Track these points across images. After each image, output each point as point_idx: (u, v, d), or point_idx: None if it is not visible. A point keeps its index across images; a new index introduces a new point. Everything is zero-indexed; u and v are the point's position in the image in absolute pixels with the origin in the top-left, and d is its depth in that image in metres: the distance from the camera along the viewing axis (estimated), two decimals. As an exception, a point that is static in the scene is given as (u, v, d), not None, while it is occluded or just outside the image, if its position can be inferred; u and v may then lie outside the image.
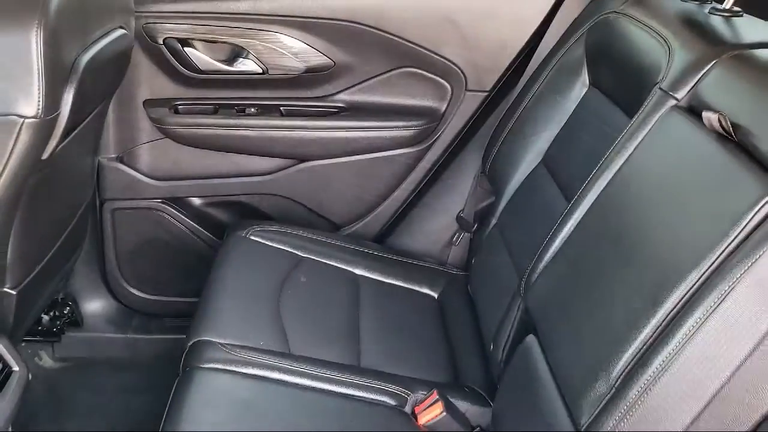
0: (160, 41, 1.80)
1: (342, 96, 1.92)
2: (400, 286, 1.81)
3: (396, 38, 1.84)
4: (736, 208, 0.92)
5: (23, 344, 1.95)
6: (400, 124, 1.92)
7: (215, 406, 1.27)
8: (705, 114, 1.05)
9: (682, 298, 0.94)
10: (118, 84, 1.69)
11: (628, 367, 0.96)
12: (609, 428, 0.95)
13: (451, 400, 1.42)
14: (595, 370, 1.00)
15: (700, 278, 0.93)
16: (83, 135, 1.55)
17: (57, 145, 1.30)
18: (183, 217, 2.01)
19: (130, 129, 1.91)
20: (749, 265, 0.87)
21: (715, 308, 0.88)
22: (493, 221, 1.75)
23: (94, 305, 2.07)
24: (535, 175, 1.67)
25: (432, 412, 1.37)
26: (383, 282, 1.80)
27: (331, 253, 1.81)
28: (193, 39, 1.82)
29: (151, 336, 2.10)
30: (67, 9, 1.24)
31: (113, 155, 1.92)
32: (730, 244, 0.91)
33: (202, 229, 2.03)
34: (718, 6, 1.36)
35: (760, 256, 0.87)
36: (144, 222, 2.00)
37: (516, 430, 1.20)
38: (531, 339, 1.27)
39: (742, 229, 0.91)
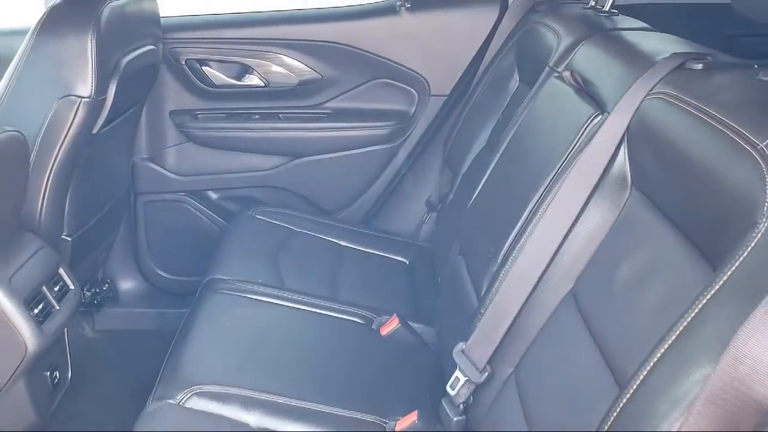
0: (183, 62, 2.27)
1: (329, 103, 2.36)
2: (377, 254, 2.19)
3: (370, 55, 2.30)
4: (575, 126, 1.32)
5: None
6: (377, 124, 2.35)
7: (222, 317, 1.66)
8: (564, 72, 1.47)
9: (543, 189, 1.33)
10: (149, 89, 2.15)
11: (510, 240, 1.35)
12: (494, 288, 1.33)
13: (409, 323, 1.79)
14: (490, 248, 1.39)
15: (553, 177, 1.32)
16: (121, 130, 2.00)
17: (103, 126, 1.75)
18: (202, 207, 2.43)
19: (159, 134, 2.35)
20: (582, 157, 1.26)
21: (563, 184, 1.27)
22: (450, 196, 2.14)
23: (128, 284, 2.48)
24: (480, 155, 2.06)
25: (391, 326, 1.75)
26: (363, 251, 2.18)
27: (319, 229, 2.20)
28: (209, 59, 2.29)
29: (177, 310, 2.47)
30: (113, 24, 1.71)
31: (145, 156, 2.36)
32: (570, 149, 1.31)
33: (218, 218, 2.44)
34: (601, 8, 1.78)
35: (587, 149, 1.25)
36: (170, 212, 2.43)
37: (447, 322, 1.57)
38: (458, 259, 1.66)
39: (577, 139, 1.30)
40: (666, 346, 0.82)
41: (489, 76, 2.16)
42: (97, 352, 2.36)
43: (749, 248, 0.78)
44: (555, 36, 1.75)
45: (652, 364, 0.82)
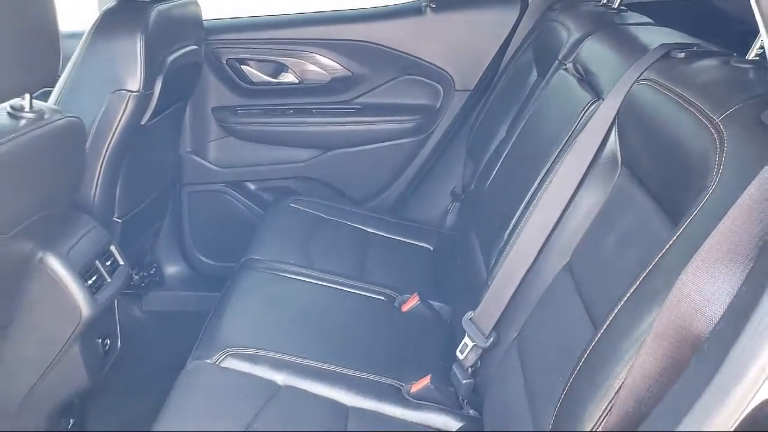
0: (224, 61, 2.44)
1: (359, 99, 2.50)
2: (403, 240, 2.32)
3: (398, 52, 2.44)
4: (574, 113, 1.44)
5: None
6: (404, 118, 2.49)
7: (256, 291, 1.82)
8: (568, 64, 1.59)
9: (545, 171, 1.45)
10: (193, 87, 2.32)
11: (515, 219, 1.47)
12: (500, 262, 1.46)
13: (429, 301, 1.92)
14: (500, 224, 1.52)
15: (553, 159, 1.44)
16: (167, 123, 2.18)
17: (150, 118, 1.93)
18: (241, 197, 2.60)
19: (202, 129, 2.53)
20: (578, 141, 1.38)
21: (558, 166, 1.39)
22: (472, 186, 2.27)
23: (173, 268, 2.66)
24: (499, 145, 2.18)
25: (411, 303, 1.88)
26: (389, 237, 2.32)
27: (349, 217, 2.33)
28: (248, 59, 2.46)
29: (217, 293, 2.64)
30: (159, 26, 1.88)
31: (189, 149, 2.53)
32: (569, 133, 1.43)
33: (256, 207, 2.60)
34: (611, 6, 1.89)
35: (583, 132, 1.37)
36: (212, 202, 2.60)
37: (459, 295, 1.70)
38: (474, 240, 1.79)
39: (576, 124, 1.42)
40: (628, 294, 0.93)
41: (509, 72, 2.29)
42: (144, 330, 2.54)
43: (699, 207, 0.90)
44: (566, 31, 1.86)
45: (616, 310, 0.94)
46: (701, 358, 0.75)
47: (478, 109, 2.43)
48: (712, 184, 0.90)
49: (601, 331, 0.95)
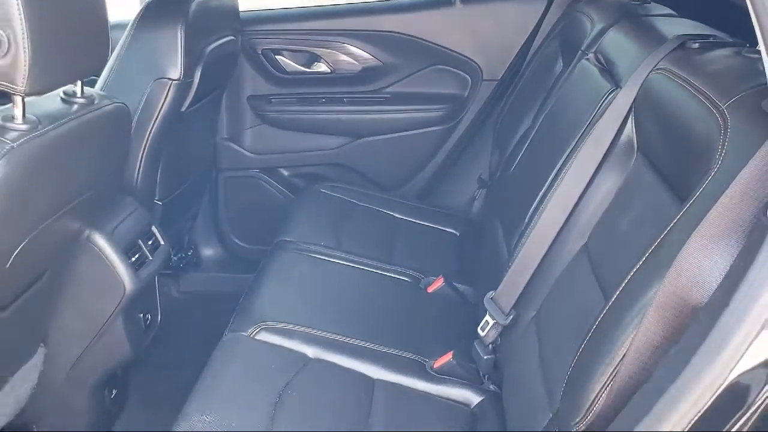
0: (259, 51, 2.53)
1: (389, 88, 2.57)
2: (430, 226, 2.39)
3: (427, 43, 2.50)
4: (594, 101, 1.50)
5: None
6: (433, 107, 2.56)
7: (288, 270, 1.91)
8: (590, 54, 1.64)
9: (565, 157, 1.51)
10: (229, 76, 2.41)
11: (535, 203, 1.54)
12: (521, 243, 1.52)
13: (454, 284, 1.99)
14: (522, 207, 1.58)
15: (573, 146, 1.50)
16: (205, 111, 2.28)
17: (190, 105, 2.02)
18: (275, 183, 2.69)
19: (238, 117, 2.62)
20: (596, 128, 1.44)
21: (579, 152, 1.45)
22: (498, 173, 2.33)
23: (209, 251, 2.77)
24: (525, 134, 2.24)
25: (436, 285, 1.96)
26: (416, 222, 2.39)
27: (377, 203, 2.41)
28: (282, 49, 2.54)
29: (251, 275, 2.75)
30: (198, 17, 1.97)
31: (226, 136, 2.63)
32: (589, 120, 1.49)
33: (288, 193, 2.70)
34: (635, -1, 1.94)
35: (601, 120, 1.43)
36: (246, 187, 2.70)
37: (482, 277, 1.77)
38: (497, 224, 1.85)
39: (595, 111, 1.48)
40: (636, 268, 1.00)
41: (536, 62, 2.34)
42: (182, 309, 2.65)
43: (702, 188, 0.96)
44: (590, 22, 1.91)
45: (624, 283, 1.01)
46: (696, 326, 0.81)
47: (504, 99, 2.48)
48: (715, 166, 0.96)
49: (610, 302, 1.02)
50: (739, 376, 0.76)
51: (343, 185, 2.48)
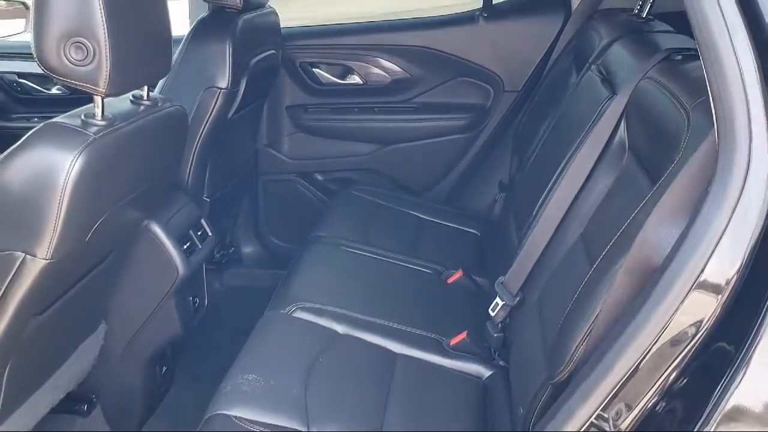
0: (298, 64, 2.76)
1: (416, 99, 2.78)
2: (452, 226, 2.58)
3: (453, 57, 2.71)
4: (594, 107, 1.68)
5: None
6: (457, 116, 2.76)
7: (321, 259, 2.12)
8: (593, 66, 1.83)
9: (567, 157, 1.70)
10: (270, 87, 2.65)
11: (542, 198, 1.72)
12: (528, 234, 1.70)
13: (473, 276, 2.18)
14: (531, 202, 1.77)
15: (574, 148, 1.69)
16: (248, 118, 2.51)
17: (235, 112, 2.25)
18: (310, 186, 2.91)
19: (277, 125, 2.85)
20: (594, 131, 1.62)
21: (578, 153, 1.63)
22: (517, 178, 2.51)
23: (249, 249, 2.99)
24: (541, 139, 2.42)
25: (455, 277, 2.14)
26: (440, 223, 2.58)
27: (404, 204, 2.60)
28: (319, 62, 2.77)
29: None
30: (245, 33, 2.21)
31: (266, 143, 2.86)
32: (589, 125, 1.67)
33: (322, 196, 2.91)
34: (640, 15, 2.12)
35: (599, 124, 1.61)
36: (284, 190, 2.92)
37: (494, 264, 1.95)
38: (511, 220, 2.04)
39: (595, 116, 1.66)
40: (612, 242, 1.18)
41: (552, 74, 2.52)
42: (224, 301, 2.86)
43: (666, 173, 1.14)
44: (599, 37, 2.10)
45: (603, 254, 1.19)
46: (648, 286, 0.99)
47: (524, 109, 2.67)
48: (678, 156, 1.14)
49: (591, 270, 1.20)
50: (673, 328, 0.93)
51: (373, 188, 2.68)
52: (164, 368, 2.21)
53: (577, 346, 1.15)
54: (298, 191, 2.93)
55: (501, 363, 1.75)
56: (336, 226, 2.36)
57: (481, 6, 2.69)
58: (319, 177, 2.93)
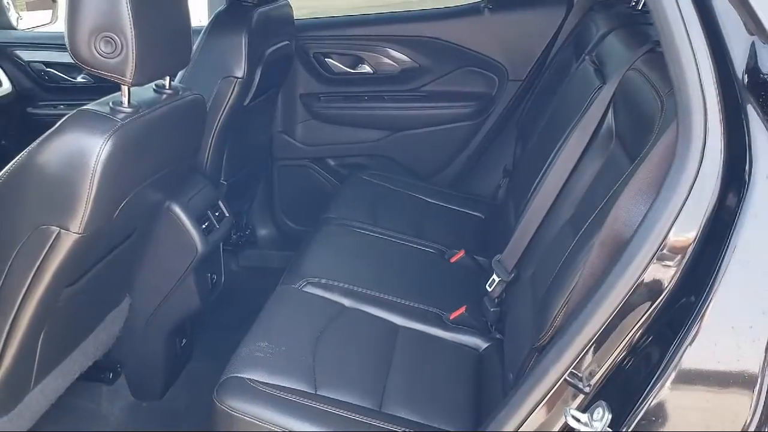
0: (311, 55, 2.88)
1: (424, 87, 2.89)
2: (457, 209, 2.69)
3: (459, 47, 2.81)
4: (586, 95, 1.79)
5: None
6: (464, 104, 2.87)
7: (331, 238, 2.25)
8: (587, 56, 1.93)
9: (560, 144, 1.81)
10: (285, 76, 2.77)
11: (536, 182, 1.83)
12: (523, 215, 1.82)
13: (474, 256, 2.30)
14: (526, 186, 1.88)
15: (566, 134, 1.80)
16: (263, 106, 2.63)
17: (251, 100, 2.38)
18: (322, 171, 3.04)
19: (291, 112, 2.97)
20: (584, 118, 1.73)
21: (569, 139, 1.74)
22: (518, 163, 2.62)
23: (264, 231, 3.12)
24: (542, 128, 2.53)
25: (458, 256, 2.26)
26: (444, 206, 2.69)
27: (412, 189, 2.71)
28: (331, 53, 2.89)
29: (300, 253, 3.10)
30: (260, 25, 2.33)
31: (280, 129, 2.98)
32: (580, 112, 1.78)
33: (334, 180, 3.03)
34: (637, 7, 2.21)
35: (589, 111, 1.72)
36: (298, 175, 3.05)
37: (493, 245, 2.07)
38: (510, 204, 2.15)
39: (587, 104, 1.77)
40: (591, 218, 1.30)
41: (554, 64, 2.63)
42: (240, 281, 3.00)
43: (641, 155, 1.25)
44: (596, 28, 2.20)
45: (583, 229, 1.31)
46: (617, 255, 1.11)
47: (527, 97, 2.77)
48: (652, 137, 1.25)
49: (572, 244, 1.32)
50: (636, 293, 1.05)
51: (382, 173, 2.80)
52: (184, 341, 2.35)
53: (556, 314, 1.27)
54: (311, 176, 3.05)
55: (497, 336, 1.87)
56: (345, 208, 2.48)
57: (486, -3, 2.80)
58: (331, 162, 3.05)
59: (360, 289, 1.97)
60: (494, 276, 1.87)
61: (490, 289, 1.87)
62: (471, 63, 2.83)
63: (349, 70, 2.91)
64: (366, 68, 2.89)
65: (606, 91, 1.68)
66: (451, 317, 1.92)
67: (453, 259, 2.26)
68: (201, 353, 2.47)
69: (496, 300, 1.87)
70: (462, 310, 1.92)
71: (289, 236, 3.11)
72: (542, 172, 1.85)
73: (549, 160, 1.84)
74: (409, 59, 2.85)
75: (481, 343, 1.87)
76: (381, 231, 2.34)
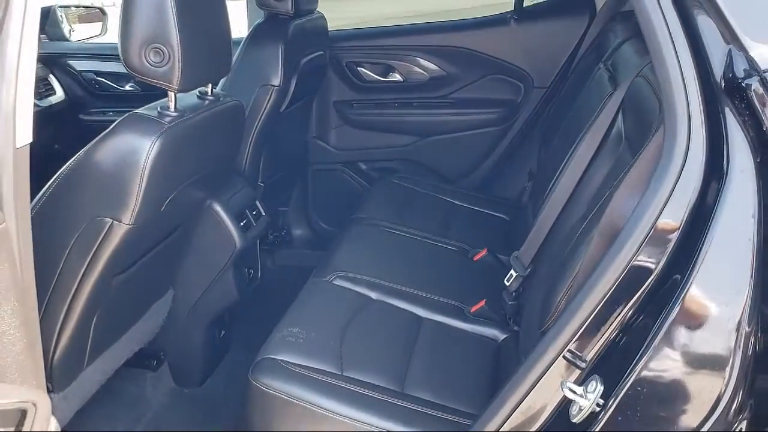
0: (344, 64, 3.03)
1: (452, 95, 3.02)
2: (483, 211, 2.81)
3: (486, 56, 2.93)
4: (599, 101, 1.90)
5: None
6: (490, 111, 2.99)
7: (360, 236, 2.38)
8: (603, 64, 2.04)
9: (574, 146, 1.92)
10: (319, 84, 2.92)
11: (552, 182, 1.94)
12: (540, 213, 1.93)
13: (497, 254, 2.41)
14: (543, 187, 1.99)
15: (580, 137, 1.90)
16: (298, 113, 2.78)
17: (287, 107, 2.53)
18: (354, 175, 3.18)
19: (325, 119, 3.12)
20: (596, 122, 1.84)
21: (582, 142, 1.85)
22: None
23: (299, 231, 3.27)
24: (560, 132, 2.63)
25: (481, 254, 2.38)
26: (470, 207, 2.80)
27: (439, 191, 2.84)
28: (363, 62, 3.04)
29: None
30: (296, 36, 2.48)
31: (315, 135, 3.14)
32: (593, 117, 1.89)
33: (366, 183, 3.17)
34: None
35: (600, 116, 1.83)
36: (331, 178, 3.19)
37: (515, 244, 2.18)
38: (530, 203, 2.26)
39: (599, 109, 1.88)
40: (594, 209, 1.41)
41: (577, 71, 2.73)
42: (276, 279, 3.15)
43: (639, 152, 1.36)
44: (615, 37, 2.30)
45: (587, 220, 1.42)
46: (611, 242, 1.22)
47: (551, 104, 2.88)
48: (652, 137, 1.36)
49: (576, 235, 1.43)
50: (628, 275, 1.16)
51: (410, 176, 2.93)
52: (223, 332, 2.50)
53: (560, 299, 1.38)
54: (343, 179, 3.19)
55: (515, 328, 1.98)
56: (375, 209, 2.62)
57: (513, 8, 2.91)
58: (363, 166, 3.19)
59: (386, 283, 2.09)
60: (512, 271, 1.98)
61: (508, 284, 1.98)
62: (497, 71, 2.95)
63: (380, 78, 3.05)
64: (396, 76, 3.03)
65: (616, 97, 1.79)
66: (472, 310, 2.03)
67: (476, 258, 2.37)
68: (238, 345, 2.61)
69: (514, 294, 1.98)
70: (482, 303, 2.03)
71: (323, 237, 3.25)
72: (558, 173, 1.96)
73: (564, 161, 1.95)
74: (437, 68, 2.98)
75: (500, 335, 1.98)
76: (408, 230, 2.47)
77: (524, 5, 2.92)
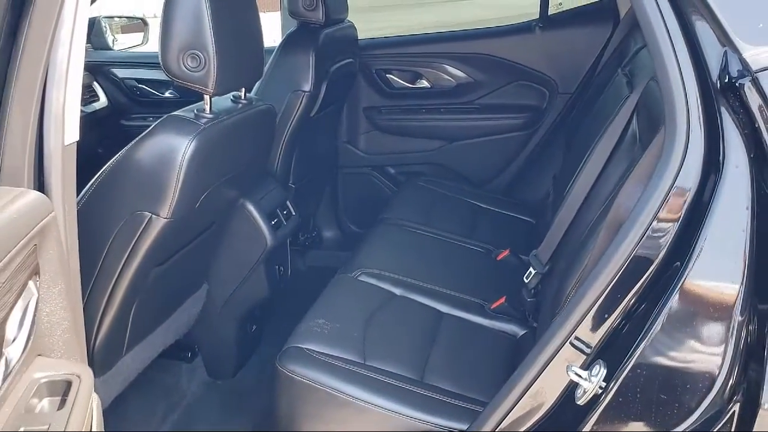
0: (373, 71, 3.13)
1: (478, 100, 3.10)
2: (509, 214, 2.88)
3: (512, 63, 3.01)
4: (617, 103, 1.96)
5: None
6: (516, 116, 3.06)
7: (386, 235, 2.47)
8: (621, 69, 2.10)
9: (591, 148, 1.98)
10: (349, 90, 3.02)
11: (570, 183, 2.01)
12: (558, 213, 2.00)
13: (519, 255, 2.47)
14: (563, 187, 2.06)
15: (597, 139, 1.97)
16: (328, 118, 2.89)
17: (317, 112, 2.64)
18: (383, 179, 3.27)
19: (355, 124, 3.23)
20: (612, 125, 1.90)
21: (599, 144, 1.91)
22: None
23: (329, 233, 3.37)
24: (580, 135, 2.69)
25: (504, 254, 2.45)
26: (493, 210, 2.87)
27: (465, 194, 2.92)
28: (392, 69, 3.13)
29: (362, 255, 3.33)
30: (326, 44, 2.59)
31: (345, 140, 3.24)
32: (610, 119, 1.95)
33: (394, 187, 3.26)
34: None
35: (616, 118, 1.89)
36: (360, 182, 3.29)
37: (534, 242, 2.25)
38: (550, 206, 2.33)
39: (615, 112, 1.94)
40: (604, 204, 1.48)
41: (600, 77, 2.78)
42: (307, 279, 3.24)
43: (647, 149, 1.42)
44: (634, 43, 2.36)
45: (597, 214, 1.49)
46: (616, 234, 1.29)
47: (575, 109, 2.94)
48: (655, 137, 1.43)
49: (587, 227, 1.50)
50: (630, 266, 1.23)
51: (437, 179, 3.01)
52: (254, 327, 2.60)
53: (570, 290, 1.45)
54: (372, 182, 3.29)
55: (534, 324, 2.04)
56: (401, 210, 2.71)
57: (538, 17, 2.98)
58: (391, 170, 3.29)
59: (409, 280, 2.18)
60: (531, 269, 2.05)
61: (526, 281, 2.05)
62: (523, 77, 3.02)
63: (408, 84, 3.14)
64: (424, 83, 3.12)
65: (631, 100, 1.85)
66: (492, 307, 2.11)
67: (499, 257, 2.44)
68: (269, 339, 2.70)
69: (533, 291, 2.04)
70: (502, 300, 2.10)
71: (352, 238, 3.32)
72: (576, 174, 2.02)
73: (582, 163, 2.01)
74: (464, 74, 3.07)
75: (519, 330, 2.04)
76: (433, 231, 2.55)
77: (549, 13, 2.98)
